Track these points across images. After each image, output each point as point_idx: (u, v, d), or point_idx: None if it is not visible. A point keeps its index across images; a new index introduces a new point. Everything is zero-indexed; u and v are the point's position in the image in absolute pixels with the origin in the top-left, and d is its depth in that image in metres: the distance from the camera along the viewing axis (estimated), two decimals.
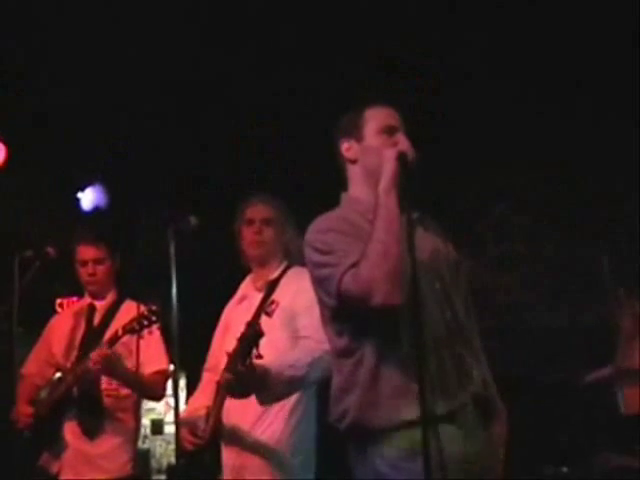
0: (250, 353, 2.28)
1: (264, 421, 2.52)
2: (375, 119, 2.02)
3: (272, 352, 2.40)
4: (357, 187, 2.03)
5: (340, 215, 1.99)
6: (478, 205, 4.47)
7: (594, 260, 4.26)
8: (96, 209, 3.96)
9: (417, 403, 1.66)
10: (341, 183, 2.08)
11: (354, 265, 1.80)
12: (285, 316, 2.56)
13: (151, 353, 2.85)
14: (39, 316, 3.26)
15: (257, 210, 2.70)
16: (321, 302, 1.97)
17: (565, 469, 3.55)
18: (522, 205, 4.52)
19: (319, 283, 1.93)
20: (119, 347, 2.80)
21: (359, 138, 2.02)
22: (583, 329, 4.25)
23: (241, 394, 2.36)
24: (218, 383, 2.50)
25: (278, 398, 2.42)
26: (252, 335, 2.29)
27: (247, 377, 2.28)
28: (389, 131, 2.00)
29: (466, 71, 3.78)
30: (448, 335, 1.89)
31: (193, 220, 2.41)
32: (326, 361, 2.38)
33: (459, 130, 3.99)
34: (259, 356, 2.28)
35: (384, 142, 1.97)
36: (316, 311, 2.46)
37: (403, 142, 1.96)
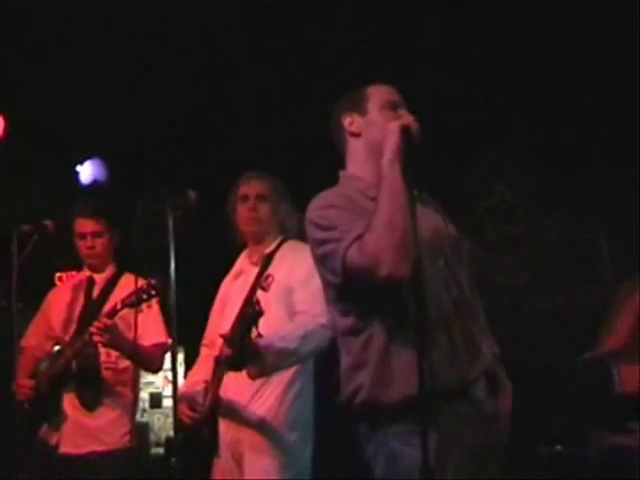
0: (250, 332, 2.28)
1: (260, 396, 2.54)
2: (378, 94, 2.02)
3: (268, 327, 2.41)
4: (357, 164, 2.02)
5: (340, 192, 1.98)
6: (477, 186, 4.46)
7: (593, 243, 4.26)
8: (95, 183, 3.95)
9: (429, 378, 1.67)
10: (338, 163, 2.07)
11: (358, 238, 1.80)
12: (281, 290, 2.56)
13: (149, 326, 2.87)
14: (38, 291, 3.26)
15: (252, 186, 2.68)
16: (325, 281, 1.96)
17: (559, 447, 3.57)
18: (522, 187, 4.51)
19: (322, 260, 1.90)
20: (118, 321, 2.81)
21: (362, 112, 2.01)
22: (580, 312, 4.26)
23: (240, 368, 2.37)
24: (216, 358, 2.51)
25: (268, 371, 2.42)
26: (252, 314, 2.29)
27: (246, 351, 2.30)
28: (392, 106, 2.00)
29: (467, 51, 3.76)
30: (456, 311, 1.89)
31: (192, 195, 2.40)
32: (320, 334, 2.42)
33: (458, 110, 3.97)
34: (259, 335, 2.29)
35: (388, 116, 1.97)
36: (312, 285, 2.47)
37: (407, 116, 1.95)
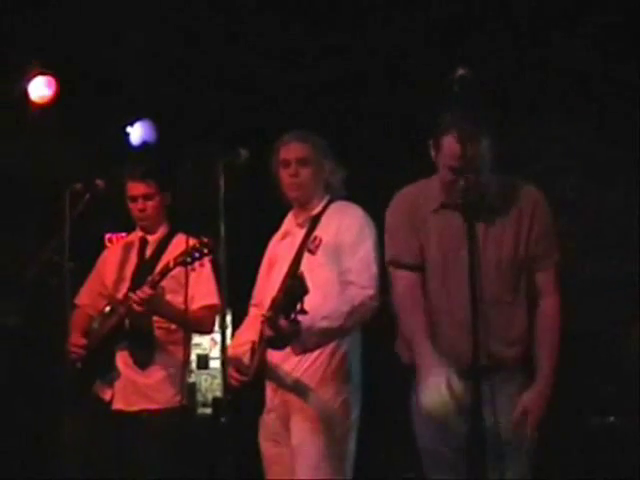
0: (294, 308, 2.24)
1: (307, 359, 2.51)
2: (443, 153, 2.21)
3: (318, 290, 2.37)
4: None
5: (409, 198, 2.38)
6: (527, 150, 4.33)
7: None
8: (145, 144, 3.96)
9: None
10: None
11: None
12: (329, 252, 2.53)
13: (201, 287, 2.87)
14: (89, 251, 3.30)
15: (291, 150, 2.61)
16: None
17: (612, 419, 3.50)
18: (570, 152, 4.37)
19: None
20: (169, 280, 2.82)
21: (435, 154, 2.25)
22: (632, 280, 4.14)
23: (281, 348, 2.38)
24: (262, 323, 2.50)
25: (311, 350, 2.42)
26: (297, 291, 2.23)
27: (287, 332, 2.29)
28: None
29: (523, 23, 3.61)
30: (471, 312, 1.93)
31: (243, 153, 2.36)
32: (367, 307, 2.42)
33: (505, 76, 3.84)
34: (303, 311, 2.25)
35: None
36: (361, 250, 2.46)
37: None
